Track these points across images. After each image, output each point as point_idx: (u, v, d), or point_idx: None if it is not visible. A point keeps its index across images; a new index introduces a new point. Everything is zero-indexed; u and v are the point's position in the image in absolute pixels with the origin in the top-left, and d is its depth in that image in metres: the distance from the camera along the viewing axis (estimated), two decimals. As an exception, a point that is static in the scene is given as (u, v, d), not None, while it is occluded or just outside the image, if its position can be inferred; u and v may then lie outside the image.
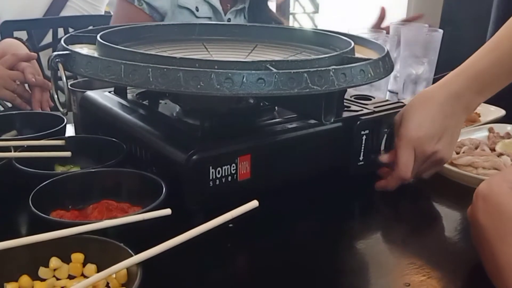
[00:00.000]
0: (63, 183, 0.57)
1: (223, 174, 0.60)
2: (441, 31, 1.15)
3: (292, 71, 0.54)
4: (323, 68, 0.56)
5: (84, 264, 0.46)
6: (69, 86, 0.87)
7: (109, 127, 0.72)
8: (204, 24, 0.91)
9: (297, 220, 0.66)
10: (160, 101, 0.77)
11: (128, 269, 0.44)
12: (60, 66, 0.60)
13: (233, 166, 0.60)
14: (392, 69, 0.67)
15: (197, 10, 1.35)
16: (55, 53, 0.61)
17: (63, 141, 0.67)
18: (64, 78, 0.60)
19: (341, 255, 0.60)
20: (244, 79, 0.53)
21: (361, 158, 0.73)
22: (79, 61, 0.59)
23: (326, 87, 0.56)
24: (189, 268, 0.55)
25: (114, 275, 0.44)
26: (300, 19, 4.86)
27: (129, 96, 0.79)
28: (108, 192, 0.59)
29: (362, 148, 0.73)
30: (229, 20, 1.39)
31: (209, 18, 1.36)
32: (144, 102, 0.77)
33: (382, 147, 0.75)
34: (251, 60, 0.57)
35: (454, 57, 1.33)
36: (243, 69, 0.54)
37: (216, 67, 0.54)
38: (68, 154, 0.64)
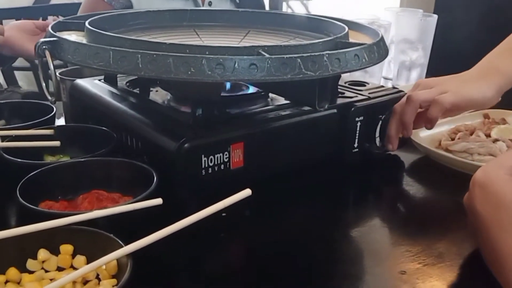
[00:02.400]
0: (52, 173, 0.56)
1: (216, 163, 0.59)
2: (435, 16, 1.14)
3: (285, 56, 0.53)
4: (316, 53, 0.55)
5: (73, 256, 0.45)
6: (58, 75, 0.86)
7: (99, 115, 0.71)
8: (196, 10, 0.89)
9: (291, 208, 0.65)
10: (151, 88, 0.75)
11: (118, 260, 0.43)
12: (47, 53, 0.58)
13: (226, 154, 0.59)
14: (387, 54, 0.66)
15: None
16: (42, 40, 0.59)
17: (52, 130, 0.66)
18: (51, 66, 0.58)
19: (336, 244, 0.59)
20: (236, 65, 0.52)
21: (355, 145, 0.72)
22: (66, 48, 0.58)
23: (320, 72, 0.55)
24: (181, 258, 0.54)
25: (104, 267, 0.43)
26: (294, 5, 4.83)
27: (120, 84, 0.77)
28: (99, 182, 0.57)
29: (357, 135, 0.72)
30: (210, 3, 1.36)
31: (184, 5, 1.32)
32: (134, 90, 0.75)
33: (377, 134, 0.74)
34: (243, 45, 0.55)
35: (448, 43, 1.33)
36: (235, 54, 0.53)
37: (207, 52, 0.53)
38: (57, 143, 0.63)
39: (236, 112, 0.66)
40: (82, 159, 0.59)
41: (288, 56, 0.53)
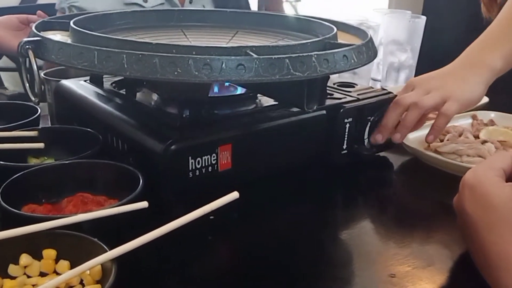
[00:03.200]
0: (35, 175, 0.54)
1: (203, 165, 0.58)
2: (424, 17, 1.14)
3: (273, 56, 0.52)
4: (305, 54, 0.54)
5: (56, 261, 0.44)
6: (42, 75, 0.85)
7: (85, 117, 0.70)
8: (183, 10, 0.88)
9: (280, 211, 0.64)
10: (138, 89, 0.74)
11: (102, 265, 0.42)
12: (30, 53, 0.57)
13: (214, 156, 0.58)
14: (375, 55, 0.65)
15: (145, 1, 1.29)
16: (25, 39, 0.58)
17: (36, 132, 0.64)
18: (35, 66, 0.57)
19: (324, 246, 0.58)
20: (223, 65, 0.51)
21: (344, 147, 0.72)
22: (50, 47, 0.56)
23: (309, 73, 0.54)
24: (168, 262, 0.53)
25: (88, 272, 0.42)
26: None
27: (106, 85, 0.76)
28: (83, 184, 0.56)
29: (346, 136, 0.71)
30: (190, 1, 1.34)
31: (161, 4, 1.31)
32: (120, 91, 0.74)
33: (366, 136, 0.74)
34: (231, 46, 0.54)
35: (436, 45, 1.33)
36: (222, 54, 0.52)
37: (194, 52, 0.52)
38: (41, 145, 0.61)
39: (224, 113, 0.65)
40: (66, 161, 0.58)
41: (276, 56, 0.53)
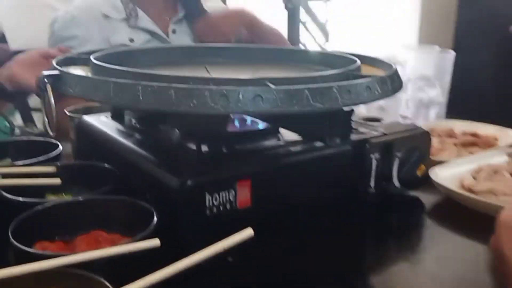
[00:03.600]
0: (47, 212, 0.53)
1: (221, 202, 0.55)
2: (452, 53, 1.11)
3: (291, 87, 0.50)
4: (325, 85, 0.52)
5: (60, 300, 0.42)
6: (66, 112, 0.85)
7: (104, 152, 0.69)
8: (208, 47, 0.88)
9: (302, 253, 0.60)
10: (159, 126, 0.73)
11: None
12: (48, 87, 0.57)
13: (232, 192, 0.56)
14: (401, 87, 0.63)
15: (132, 41, 1.28)
16: (44, 73, 0.58)
17: (54, 167, 0.63)
18: (52, 100, 0.57)
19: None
20: (240, 96, 0.49)
21: (372, 184, 0.68)
22: (67, 81, 0.56)
23: (330, 105, 0.52)
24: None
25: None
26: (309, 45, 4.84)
27: (127, 121, 0.75)
28: (98, 222, 0.54)
29: (373, 173, 0.68)
30: (174, 31, 1.34)
31: (148, 41, 1.30)
32: (141, 128, 0.73)
33: (394, 173, 0.70)
34: (249, 77, 0.53)
35: (468, 82, 1.30)
36: (239, 85, 0.50)
37: (210, 84, 0.51)
38: (57, 181, 0.60)
39: (244, 148, 0.63)
40: (80, 198, 0.56)
41: (295, 87, 0.51)
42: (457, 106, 1.11)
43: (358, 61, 0.67)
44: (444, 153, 0.88)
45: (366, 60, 0.73)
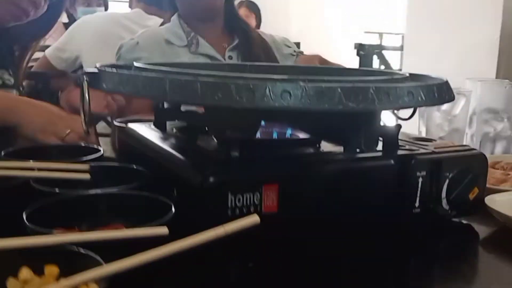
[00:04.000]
0: (67, 202, 0.52)
1: (245, 204, 0.52)
2: (523, 84, 1.04)
3: (323, 85, 0.48)
4: (361, 85, 0.49)
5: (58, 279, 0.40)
6: (113, 122, 0.86)
7: (139, 155, 0.68)
8: (255, 65, 0.87)
9: (329, 272, 0.55)
10: (199, 135, 0.72)
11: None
12: (84, 84, 0.58)
13: (257, 195, 0.53)
14: (451, 99, 0.58)
15: None
16: (84, 70, 0.59)
17: (87, 165, 0.63)
18: (86, 95, 0.57)
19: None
20: (267, 91, 0.47)
21: (416, 205, 0.63)
22: (101, 77, 0.56)
23: (364, 105, 0.48)
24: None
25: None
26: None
27: (168, 129, 0.75)
28: (118, 216, 0.53)
29: (418, 193, 0.63)
30: (230, 57, 1.37)
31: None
32: (181, 135, 0.72)
33: (444, 195, 0.65)
34: (281, 77, 0.50)
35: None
36: (267, 80, 0.48)
37: (238, 80, 0.49)
38: (87, 176, 0.60)
39: (276, 153, 0.60)
40: (101, 191, 0.55)
41: (327, 85, 0.48)
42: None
43: (407, 74, 0.63)
44: (507, 184, 0.81)
45: (417, 77, 0.69)
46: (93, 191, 0.55)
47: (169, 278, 0.51)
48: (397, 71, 0.69)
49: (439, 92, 0.55)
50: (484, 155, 0.67)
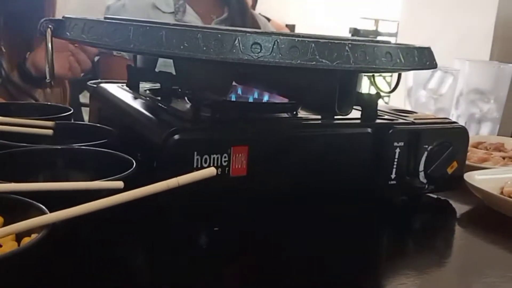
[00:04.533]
0: (19, 156, 0.49)
1: (212, 165, 0.50)
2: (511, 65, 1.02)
3: (296, 39, 0.45)
4: (336, 41, 0.46)
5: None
6: (88, 83, 0.83)
7: (109, 114, 0.66)
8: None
9: (298, 242, 0.53)
10: (173, 98, 0.69)
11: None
12: (48, 31, 0.54)
13: (225, 157, 0.50)
14: (432, 66, 0.55)
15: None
16: (47, 18, 0.55)
17: (52, 123, 0.60)
18: (49, 45, 0.54)
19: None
20: (236, 42, 0.44)
21: (392, 176, 0.61)
22: (65, 24, 0.53)
23: (338, 63, 0.46)
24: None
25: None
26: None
27: (141, 91, 0.72)
28: (77, 172, 0.50)
29: (395, 164, 0.61)
30: None
31: None
32: (156, 97, 0.69)
33: (421, 168, 0.62)
34: (253, 30, 0.48)
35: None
36: (236, 32, 0.45)
37: (205, 29, 0.46)
38: (49, 132, 0.57)
39: (247, 114, 0.57)
40: (58, 146, 0.52)
41: (300, 39, 0.45)
42: (512, 124, 1.01)
43: (392, 41, 0.60)
44: (488, 163, 0.79)
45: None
46: (52, 146, 0.52)
47: (130, 237, 0.49)
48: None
49: (420, 57, 0.53)
50: (465, 129, 0.65)
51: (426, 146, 0.62)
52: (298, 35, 0.47)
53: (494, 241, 0.59)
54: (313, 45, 0.45)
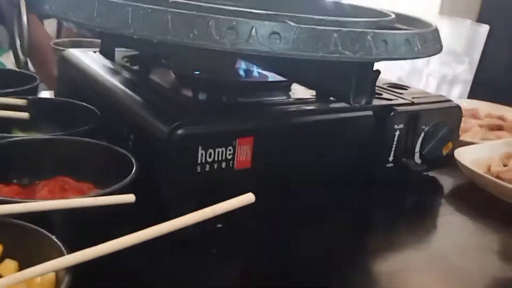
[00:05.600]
0: (5, 149, 0.44)
1: (216, 159, 0.46)
2: (487, 26, 1.01)
3: (317, 27, 0.41)
4: (359, 30, 0.42)
5: (1, 259, 0.33)
6: (52, 44, 0.75)
7: (86, 90, 0.59)
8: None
9: (303, 229, 0.52)
10: (153, 67, 0.63)
11: (58, 274, 0.30)
12: (22, 2, 0.47)
13: (230, 150, 0.47)
14: (441, 49, 0.53)
15: None
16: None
17: (25, 101, 0.54)
18: (25, 18, 0.47)
19: (355, 278, 0.46)
20: (253, 31, 0.39)
21: (390, 159, 0.59)
22: (44, -5, 0.46)
23: (362, 54, 0.42)
24: (157, 277, 0.41)
25: (39, 279, 0.31)
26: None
27: (118, 59, 0.65)
28: (66, 167, 0.45)
29: (394, 146, 0.59)
30: None
31: None
32: (133, 67, 0.63)
33: (417, 149, 0.61)
34: (266, 12, 0.43)
35: (493, 59, 1.19)
36: (253, 18, 0.40)
37: (218, 13, 0.41)
38: (25, 115, 0.51)
39: (249, 101, 0.53)
40: (46, 136, 0.47)
41: (321, 27, 0.41)
42: (483, 86, 1.01)
43: (393, 15, 0.57)
44: (468, 134, 0.79)
45: (401, 19, 0.63)
46: (34, 136, 0.46)
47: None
48: (381, 10, 0.62)
49: (434, 41, 0.50)
50: (460, 108, 0.64)
51: (424, 127, 0.60)
52: (318, 22, 0.42)
53: (475, 217, 0.60)
54: (335, 35, 0.41)
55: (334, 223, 0.54)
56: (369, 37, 0.42)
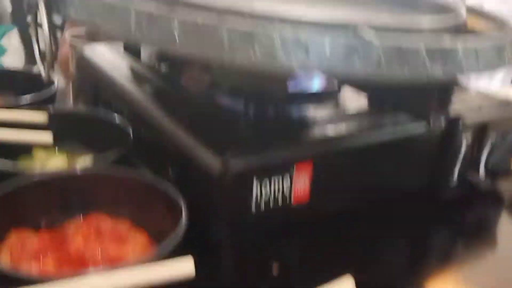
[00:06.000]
0: (29, 188, 0.37)
1: (272, 193, 0.39)
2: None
3: (402, 45, 0.34)
4: (448, 44, 0.35)
5: None
6: (67, 37, 0.68)
7: (112, 99, 0.52)
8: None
9: (361, 254, 0.45)
10: (185, 68, 0.56)
11: None
12: (41, 4, 0.40)
13: (287, 181, 0.40)
14: None
15: None
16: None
17: (45, 114, 0.47)
18: (45, 23, 0.40)
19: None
20: (327, 49, 0.32)
21: (455, 177, 0.52)
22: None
23: (451, 72, 0.35)
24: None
25: None
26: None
27: (144, 58, 0.58)
28: (99, 199, 0.39)
29: (459, 161, 0.52)
30: None
31: None
32: (164, 70, 0.56)
33: (483, 161, 0.54)
34: (336, 19, 0.35)
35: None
36: (323, 31, 0.33)
37: (281, 27, 0.33)
38: (49, 138, 0.44)
39: (297, 116, 0.46)
40: (77, 172, 0.40)
41: (406, 43, 0.34)
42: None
43: (463, 11, 0.49)
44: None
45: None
46: (64, 171, 0.40)
47: None
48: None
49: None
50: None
51: (491, 137, 0.53)
52: (401, 36, 0.35)
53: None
54: (424, 53, 0.34)
55: (398, 251, 0.48)
56: (460, 53, 0.35)
